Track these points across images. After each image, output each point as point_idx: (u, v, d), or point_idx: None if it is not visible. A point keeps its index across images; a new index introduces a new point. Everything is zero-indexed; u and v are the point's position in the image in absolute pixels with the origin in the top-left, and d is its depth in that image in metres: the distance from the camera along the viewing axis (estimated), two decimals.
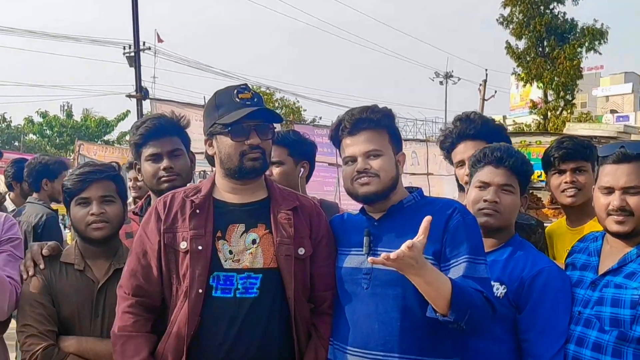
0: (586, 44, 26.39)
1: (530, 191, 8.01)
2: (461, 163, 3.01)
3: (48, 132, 33.95)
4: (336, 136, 2.42)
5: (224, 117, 2.31)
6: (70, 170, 2.72)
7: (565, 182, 3.14)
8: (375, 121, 2.35)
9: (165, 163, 2.81)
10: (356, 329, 2.27)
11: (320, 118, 40.00)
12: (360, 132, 2.34)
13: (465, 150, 2.98)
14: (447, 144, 3.08)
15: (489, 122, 3.08)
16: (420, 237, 2.02)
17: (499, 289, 2.38)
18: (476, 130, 2.99)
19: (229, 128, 2.30)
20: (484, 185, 2.51)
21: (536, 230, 3.03)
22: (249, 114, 2.28)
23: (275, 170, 3.11)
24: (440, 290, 2.05)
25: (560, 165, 3.16)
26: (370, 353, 2.23)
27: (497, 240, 2.51)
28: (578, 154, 3.14)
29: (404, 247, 1.96)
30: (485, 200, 2.48)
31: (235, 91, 2.34)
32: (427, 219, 2.04)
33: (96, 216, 2.58)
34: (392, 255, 1.95)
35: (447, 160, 3.18)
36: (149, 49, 22.28)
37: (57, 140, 33.56)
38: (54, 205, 4.88)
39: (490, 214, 2.46)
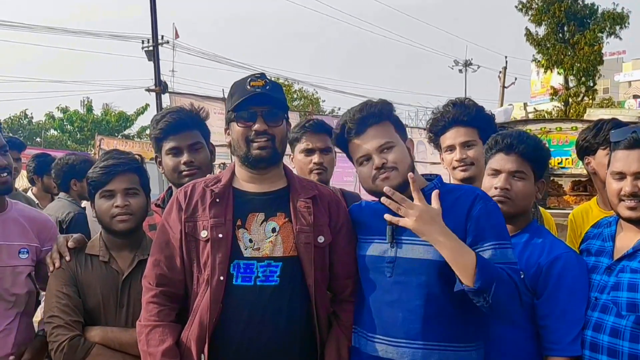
0: (607, 29, 25.99)
1: (551, 178, 7.94)
2: (450, 148, 2.99)
3: (69, 127, 34.26)
4: (342, 140, 2.41)
5: (234, 104, 2.34)
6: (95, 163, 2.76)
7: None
8: (378, 115, 2.35)
9: (185, 157, 2.86)
10: (380, 317, 2.29)
11: (339, 109, 39.95)
12: (366, 130, 2.34)
13: (456, 135, 2.97)
14: (438, 128, 3.05)
15: (482, 110, 3.06)
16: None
17: None
18: (470, 117, 2.97)
19: (235, 113, 2.34)
20: (495, 173, 2.52)
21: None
22: (256, 99, 2.30)
23: None
24: (465, 256, 2.10)
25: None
26: (394, 341, 2.25)
27: (513, 227, 2.50)
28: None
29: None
30: (496, 188, 2.48)
31: (249, 79, 2.36)
32: (435, 194, 2.14)
33: (120, 208, 2.61)
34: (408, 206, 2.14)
35: (432, 143, 3.16)
36: (167, 42, 22.42)
37: (78, 135, 33.86)
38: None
39: (502, 201, 2.46)
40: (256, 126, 2.33)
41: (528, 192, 2.51)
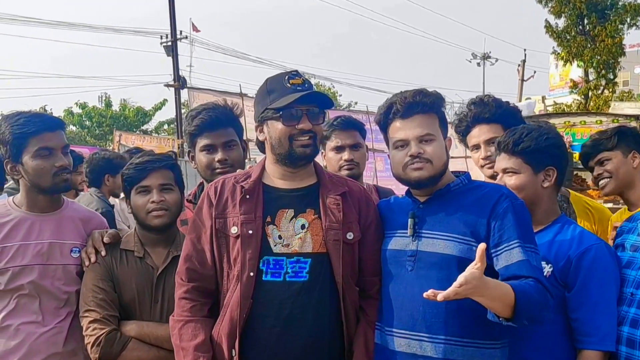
0: (628, 20, 25.66)
1: (575, 172, 7.88)
2: (476, 147, 3.00)
3: (87, 123, 34.45)
4: (385, 119, 2.41)
5: (275, 101, 2.33)
6: (130, 160, 2.78)
7: (595, 178, 3.20)
8: (429, 105, 2.35)
9: (220, 155, 2.88)
10: (401, 311, 2.29)
11: (356, 103, 39.89)
12: (413, 116, 2.34)
13: (480, 134, 2.97)
14: (462, 128, 3.06)
15: (504, 105, 3.05)
16: (477, 264, 1.96)
17: (544, 268, 2.37)
18: (491, 113, 2.97)
19: (281, 112, 2.32)
20: (495, 175, 2.59)
21: (561, 204, 3.04)
22: (300, 97, 2.29)
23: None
24: (505, 302, 2.04)
25: (587, 165, 3.24)
26: (416, 334, 2.25)
27: (537, 222, 2.49)
28: (595, 149, 3.17)
29: (461, 279, 1.93)
30: None
31: (287, 77, 2.36)
32: (481, 247, 1.99)
33: (156, 204, 2.64)
34: (451, 291, 1.93)
35: (463, 144, 3.16)
36: (186, 38, 22.50)
37: (97, 131, 34.03)
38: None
39: None
40: (302, 125, 2.32)
41: (522, 185, 2.49)
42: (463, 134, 3.08)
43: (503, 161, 2.54)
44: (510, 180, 2.50)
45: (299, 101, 2.30)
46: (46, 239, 2.68)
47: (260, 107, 2.40)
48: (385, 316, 2.34)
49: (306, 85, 2.37)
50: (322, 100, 2.39)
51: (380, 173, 17.55)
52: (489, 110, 2.97)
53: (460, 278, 1.93)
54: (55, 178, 2.66)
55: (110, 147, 19.78)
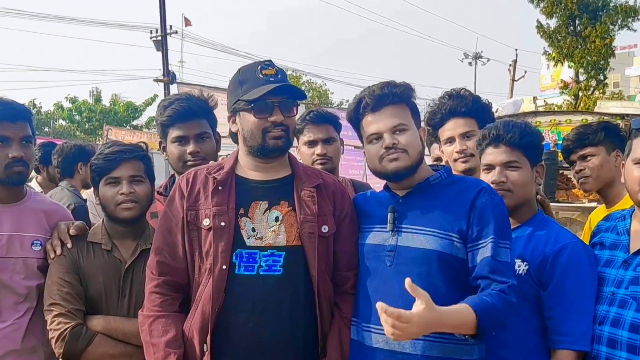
0: (619, 21, 25.77)
1: (560, 171, 7.90)
2: (450, 140, 2.95)
3: (77, 117, 34.33)
4: (356, 115, 2.37)
5: (247, 93, 2.29)
6: (100, 150, 2.72)
7: (576, 172, 3.14)
8: (398, 96, 2.31)
9: (191, 147, 2.81)
10: None
11: (348, 101, 39.81)
12: (383, 108, 2.30)
13: (455, 127, 2.92)
14: (436, 121, 3.01)
15: (480, 100, 3.01)
16: (419, 304, 1.92)
17: (520, 266, 2.35)
18: (467, 107, 2.92)
19: (252, 104, 2.29)
20: (489, 168, 2.50)
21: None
22: (272, 90, 2.25)
23: None
24: (467, 325, 2.00)
25: (568, 159, 3.19)
26: None
27: (518, 219, 2.46)
28: (579, 143, 3.12)
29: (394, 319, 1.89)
30: (492, 183, 2.43)
31: (259, 67, 2.32)
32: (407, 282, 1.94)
33: (126, 196, 2.58)
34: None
35: (432, 136, 3.11)
36: (176, 32, 22.44)
37: (87, 126, 33.93)
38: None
39: (502, 195, 2.39)
40: (274, 118, 2.28)
41: (525, 180, 2.46)
42: (435, 127, 3.02)
43: (503, 154, 2.46)
44: (513, 175, 2.45)
45: (271, 93, 2.26)
46: (5, 231, 2.60)
47: (233, 97, 2.36)
48: (362, 312, 2.30)
49: (279, 76, 2.32)
50: (294, 92, 2.35)
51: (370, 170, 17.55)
52: (466, 104, 2.93)
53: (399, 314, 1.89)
54: (7, 170, 2.57)
55: (100, 142, 19.71)
